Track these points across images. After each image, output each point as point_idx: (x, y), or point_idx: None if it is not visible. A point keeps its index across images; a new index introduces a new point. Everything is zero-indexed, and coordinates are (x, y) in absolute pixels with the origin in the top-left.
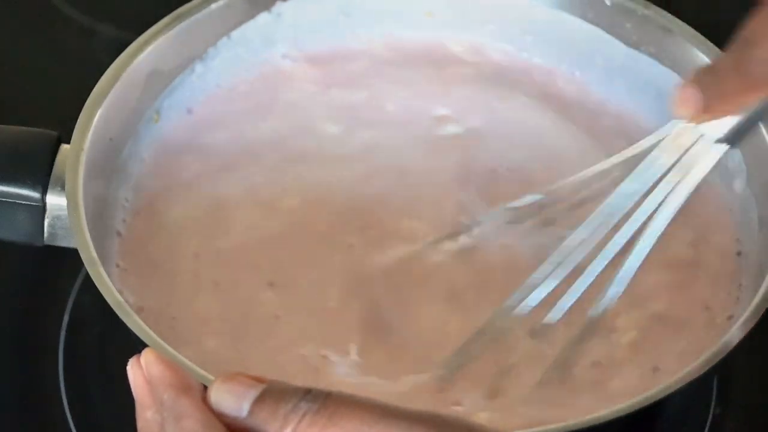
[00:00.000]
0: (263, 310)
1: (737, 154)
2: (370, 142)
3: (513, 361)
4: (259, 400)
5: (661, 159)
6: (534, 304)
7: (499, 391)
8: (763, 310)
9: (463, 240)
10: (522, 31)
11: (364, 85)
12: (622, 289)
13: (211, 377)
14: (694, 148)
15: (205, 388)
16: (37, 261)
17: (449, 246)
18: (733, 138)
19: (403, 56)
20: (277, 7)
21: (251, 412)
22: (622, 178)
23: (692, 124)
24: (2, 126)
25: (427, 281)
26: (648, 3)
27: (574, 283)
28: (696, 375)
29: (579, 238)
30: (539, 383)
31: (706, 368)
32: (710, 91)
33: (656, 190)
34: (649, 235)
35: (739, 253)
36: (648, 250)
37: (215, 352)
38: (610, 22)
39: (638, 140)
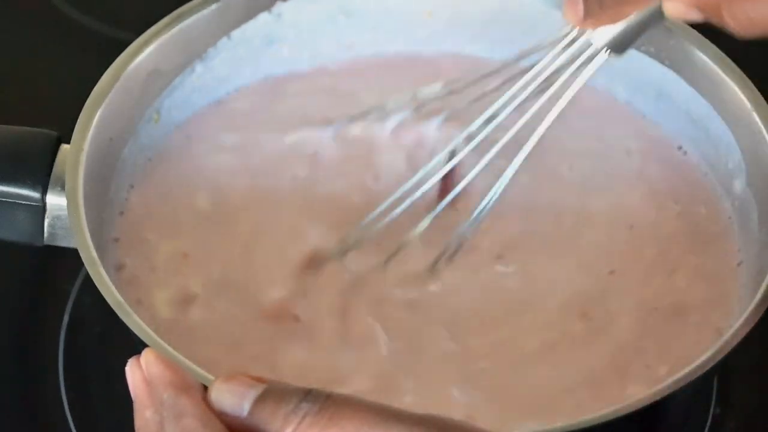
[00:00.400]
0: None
1: (737, 154)
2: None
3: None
4: (259, 400)
5: (551, 62)
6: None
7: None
8: (763, 310)
9: None
10: (522, 32)
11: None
12: (498, 192)
13: (211, 377)
14: (582, 54)
15: (205, 388)
16: (37, 261)
17: None
18: (617, 47)
19: (403, 56)
20: (277, 7)
21: (252, 411)
22: (514, 81)
23: (580, 32)
24: (2, 126)
25: None
26: None
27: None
28: (696, 375)
29: (466, 132)
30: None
31: (706, 368)
32: (592, 1)
33: (544, 95)
34: (529, 141)
35: (740, 264)
36: (525, 155)
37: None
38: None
39: None
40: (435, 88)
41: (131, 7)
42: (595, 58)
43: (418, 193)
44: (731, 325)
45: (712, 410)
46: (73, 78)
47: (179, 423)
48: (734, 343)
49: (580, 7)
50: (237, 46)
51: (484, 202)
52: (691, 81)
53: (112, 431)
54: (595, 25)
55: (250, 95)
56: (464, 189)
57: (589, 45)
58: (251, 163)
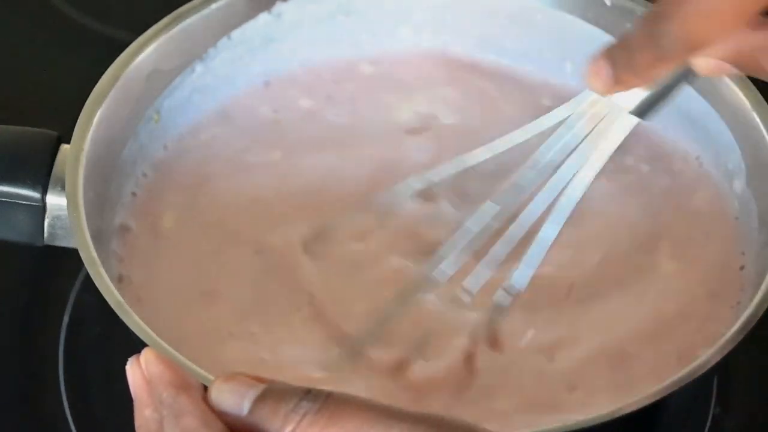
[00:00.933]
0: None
1: (737, 154)
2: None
3: (431, 327)
4: (259, 400)
5: (573, 129)
6: (449, 273)
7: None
8: (763, 310)
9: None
10: (522, 32)
11: (364, 86)
12: (533, 268)
13: (211, 377)
14: (607, 119)
15: (205, 388)
16: (37, 261)
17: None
18: (645, 110)
19: (403, 56)
20: (278, 8)
21: (252, 410)
22: (536, 148)
23: (604, 96)
24: (2, 126)
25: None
26: (648, 3)
27: (488, 254)
28: (696, 375)
29: (493, 208)
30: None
31: (706, 368)
32: (621, 64)
33: (568, 161)
34: (560, 211)
35: (742, 267)
36: (560, 225)
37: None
38: (610, 22)
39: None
40: (449, 168)
41: (131, 7)
42: (622, 124)
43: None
44: (731, 325)
45: (712, 410)
46: (73, 78)
47: (179, 422)
48: (734, 343)
49: (607, 72)
50: (237, 46)
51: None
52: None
53: (112, 431)
54: (625, 90)
55: (251, 95)
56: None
57: (612, 107)
58: (251, 163)
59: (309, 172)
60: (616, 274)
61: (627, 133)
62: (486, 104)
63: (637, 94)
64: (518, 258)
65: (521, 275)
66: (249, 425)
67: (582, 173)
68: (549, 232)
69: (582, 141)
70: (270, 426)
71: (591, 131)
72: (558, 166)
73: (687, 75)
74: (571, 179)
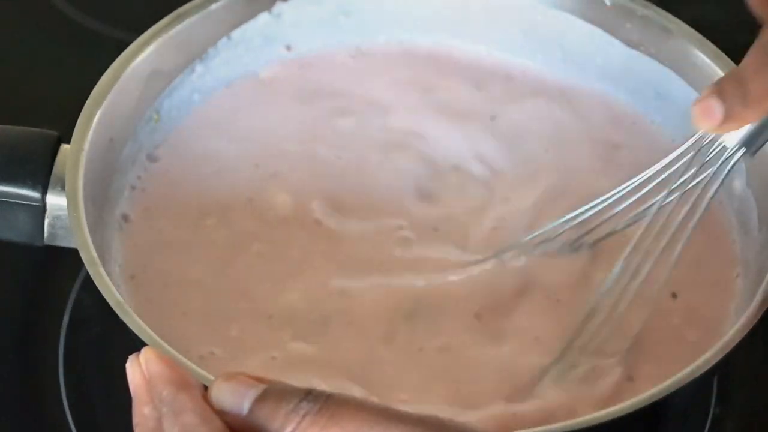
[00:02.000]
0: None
1: None
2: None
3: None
4: (259, 399)
5: (685, 173)
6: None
7: None
8: (763, 310)
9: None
10: (522, 31)
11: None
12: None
13: (211, 377)
14: (715, 156)
15: (205, 387)
16: (37, 261)
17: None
18: (751, 142)
19: (404, 56)
20: (278, 8)
21: (252, 410)
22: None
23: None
24: (2, 126)
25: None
26: (648, 3)
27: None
28: (696, 375)
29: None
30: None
31: (706, 368)
32: (734, 99)
33: (680, 202)
34: (676, 253)
35: (740, 263)
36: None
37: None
38: (609, 22)
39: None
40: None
41: (131, 7)
42: (729, 160)
43: None
44: (731, 325)
45: (712, 410)
46: (73, 78)
47: (178, 419)
48: (734, 343)
49: (717, 109)
50: (237, 46)
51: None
52: (691, 81)
53: (112, 431)
54: (738, 127)
55: (251, 95)
56: None
57: (721, 145)
58: (252, 162)
59: (310, 169)
60: None
61: (734, 167)
62: (490, 105)
63: (742, 129)
64: None
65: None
66: (249, 424)
67: (692, 216)
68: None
69: (691, 183)
70: (270, 425)
71: (699, 170)
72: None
73: None
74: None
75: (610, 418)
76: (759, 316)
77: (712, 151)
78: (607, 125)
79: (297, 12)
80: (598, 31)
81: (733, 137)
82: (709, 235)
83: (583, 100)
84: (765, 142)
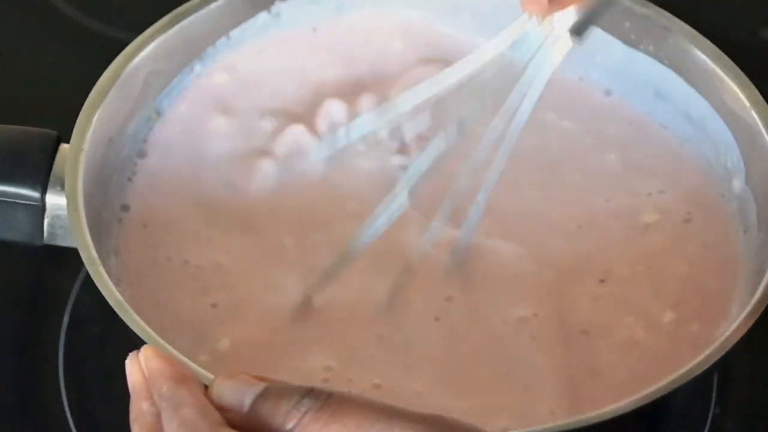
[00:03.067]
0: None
1: (736, 153)
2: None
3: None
4: (261, 396)
5: (515, 56)
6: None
7: None
8: (762, 309)
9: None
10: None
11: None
12: (483, 204)
13: (211, 376)
14: (546, 42)
15: (206, 387)
16: (36, 261)
17: None
18: (581, 28)
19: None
20: (276, 7)
21: (253, 407)
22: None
23: (540, 18)
24: (2, 125)
25: None
26: (647, 2)
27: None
28: (696, 374)
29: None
30: None
31: (706, 368)
32: None
33: (513, 90)
34: (508, 140)
35: (739, 262)
36: (507, 154)
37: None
38: (608, 21)
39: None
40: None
41: (131, 7)
42: (559, 46)
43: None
44: (731, 325)
45: (712, 410)
46: (73, 78)
47: (177, 413)
48: (733, 342)
49: None
50: (236, 45)
51: (475, 209)
52: (690, 80)
53: (112, 431)
54: (559, 10)
55: (251, 94)
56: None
57: (550, 30)
58: (254, 161)
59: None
60: None
61: (564, 56)
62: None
63: (570, 14)
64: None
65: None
66: (250, 421)
67: (525, 101)
68: (499, 164)
69: (524, 69)
70: (272, 422)
71: (531, 58)
72: (501, 95)
73: None
74: (517, 107)
75: (609, 417)
76: (758, 315)
77: (544, 38)
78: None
79: (296, 12)
80: (596, 30)
81: (564, 23)
82: (708, 234)
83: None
84: (589, 27)
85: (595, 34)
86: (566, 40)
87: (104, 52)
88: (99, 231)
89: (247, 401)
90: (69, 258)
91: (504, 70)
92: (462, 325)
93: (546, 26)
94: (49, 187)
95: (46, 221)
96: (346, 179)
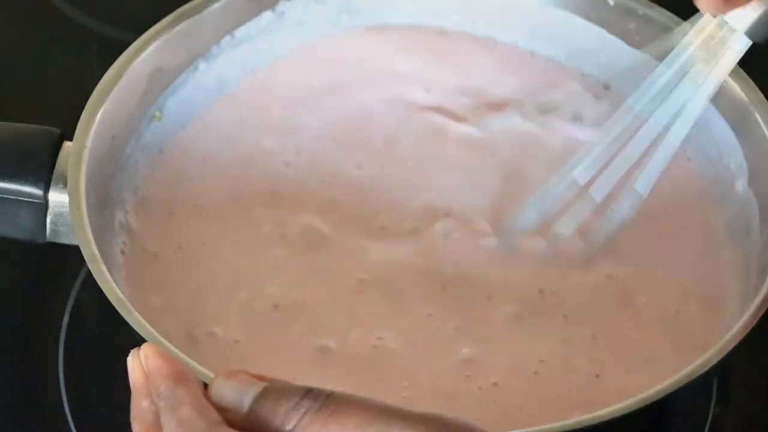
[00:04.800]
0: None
1: (739, 154)
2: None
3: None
4: (260, 396)
5: (686, 54)
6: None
7: None
8: (764, 310)
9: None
10: (525, 31)
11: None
12: (647, 190)
13: (211, 375)
14: (720, 42)
15: (205, 386)
16: (37, 260)
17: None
18: (757, 31)
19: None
20: (281, 6)
21: (252, 407)
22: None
23: (716, 18)
24: (5, 123)
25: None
26: (651, 3)
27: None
28: (696, 375)
29: (613, 131)
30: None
31: (706, 368)
32: None
33: (680, 87)
34: (674, 135)
35: (740, 263)
36: (674, 148)
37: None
38: (612, 22)
39: None
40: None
41: (131, 7)
42: (735, 47)
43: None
44: (731, 325)
45: (712, 410)
46: (75, 76)
47: (175, 412)
48: (734, 343)
49: None
50: (240, 44)
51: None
52: None
53: (112, 431)
54: (738, 6)
55: (253, 93)
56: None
57: (725, 29)
58: (253, 161)
59: (317, 165)
60: None
61: (740, 56)
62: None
63: (748, 14)
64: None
65: (644, 181)
66: (249, 421)
67: (695, 98)
68: (659, 161)
69: (693, 66)
70: (271, 422)
71: (703, 56)
72: (670, 93)
73: None
74: (684, 104)
75: (609, 417)
76: (759, 317)
77: (718, 37)
78: None
79: (300, 10)
80: (600, 31)
81: (739, 22)
82: (709, 235)
83: None
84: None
85: (599, 35)
86: (742, 42)
87: (105, 51)
88: (101, 229)
89: (247, 401)
90: (69, 258)
91: (674, 65)
92: None
93: (721, 24)
94: (51, 184)
95: (48, 219)
96: None
